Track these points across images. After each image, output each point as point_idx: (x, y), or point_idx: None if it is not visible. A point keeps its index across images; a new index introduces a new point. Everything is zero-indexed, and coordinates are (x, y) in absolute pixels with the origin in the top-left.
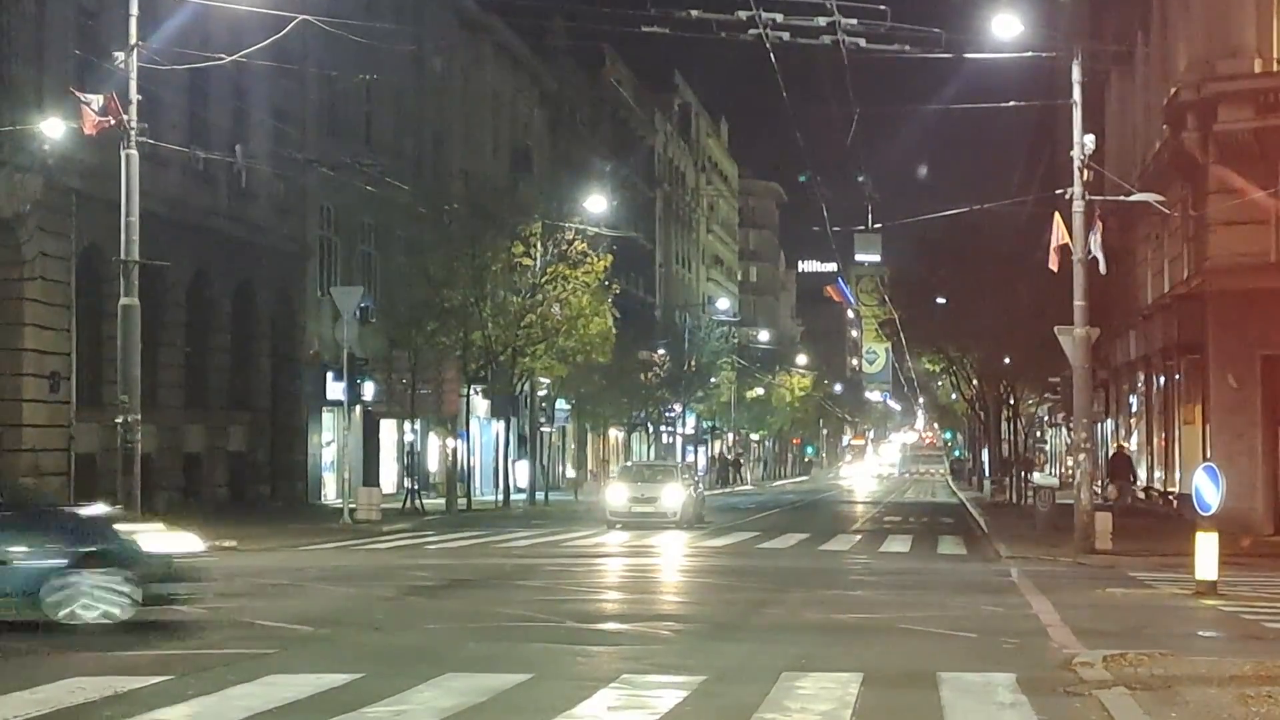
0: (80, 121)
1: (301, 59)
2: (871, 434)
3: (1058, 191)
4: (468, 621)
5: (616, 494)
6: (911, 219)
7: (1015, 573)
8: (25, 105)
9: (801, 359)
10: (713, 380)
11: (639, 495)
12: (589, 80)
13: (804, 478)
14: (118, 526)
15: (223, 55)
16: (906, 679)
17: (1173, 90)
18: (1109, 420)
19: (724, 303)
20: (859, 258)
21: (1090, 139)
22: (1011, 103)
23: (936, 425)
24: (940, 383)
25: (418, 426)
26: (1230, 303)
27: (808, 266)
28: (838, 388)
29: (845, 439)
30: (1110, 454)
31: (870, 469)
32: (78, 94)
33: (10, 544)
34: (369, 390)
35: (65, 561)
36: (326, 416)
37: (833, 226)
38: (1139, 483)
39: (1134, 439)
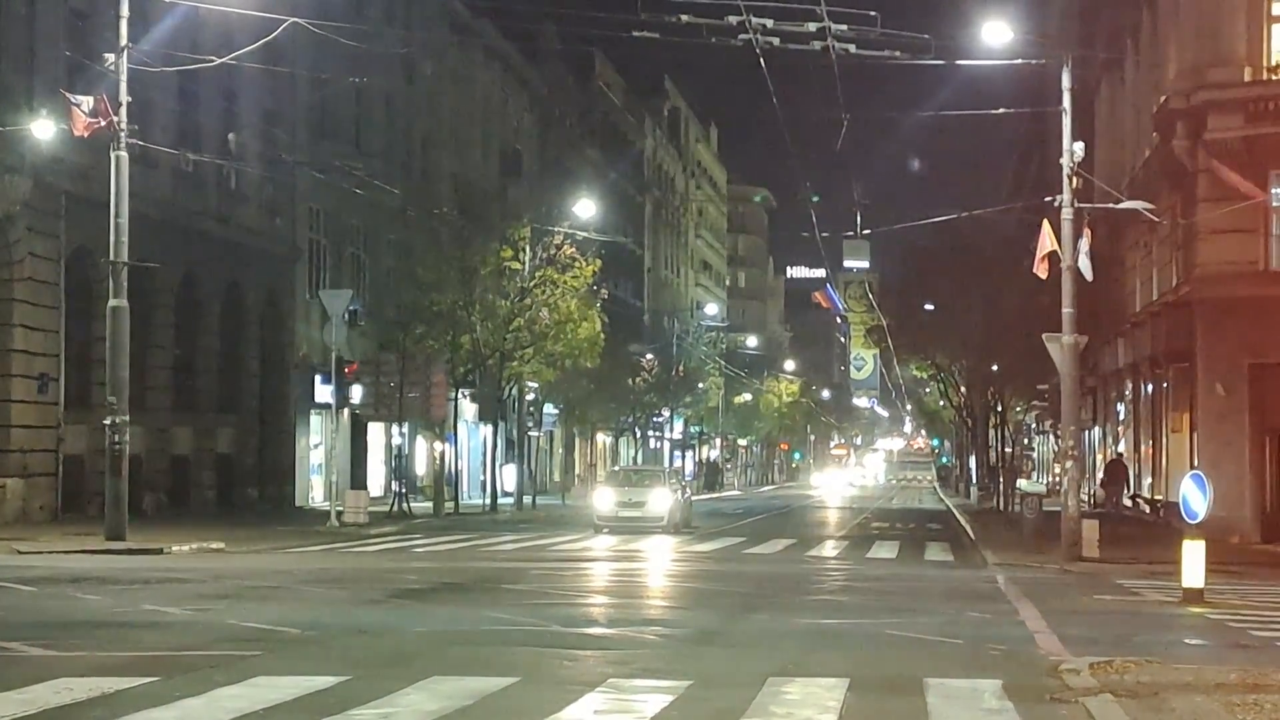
0: (70, 123)
1: (291, 62)
2: (859, 440)
3: (1047, 199)
4: (454, 625)
5: (604, 498)
6: (901, 225)
7: (1002, 580)
8: (15, 106)
9: (789, 365)
10: (700, 385)
11: (626, 500)
12: (579, 85)
13: (791, 483)
14: None
15: (213, 57)
16: (893, 685)
17: (1162, 98)
18: (1097, 428)
19: (712, 308)
20: (848, 264)
21: (1080, 146)
22: (1001, 109)
23: (924, 432)
24: (928, 389)
25: (405, 430)
26: (1219, 311)
27: (796, 272)
28: (825, 394)
29: (833, 444)
30: (1108, 460)
31: (848, 478)
32: (68, 95)
33: None
34: (357, 393)
35: None
36: (314, 419)
37: (821, 233)
38: (1129, 490)
39: (1122, 446)
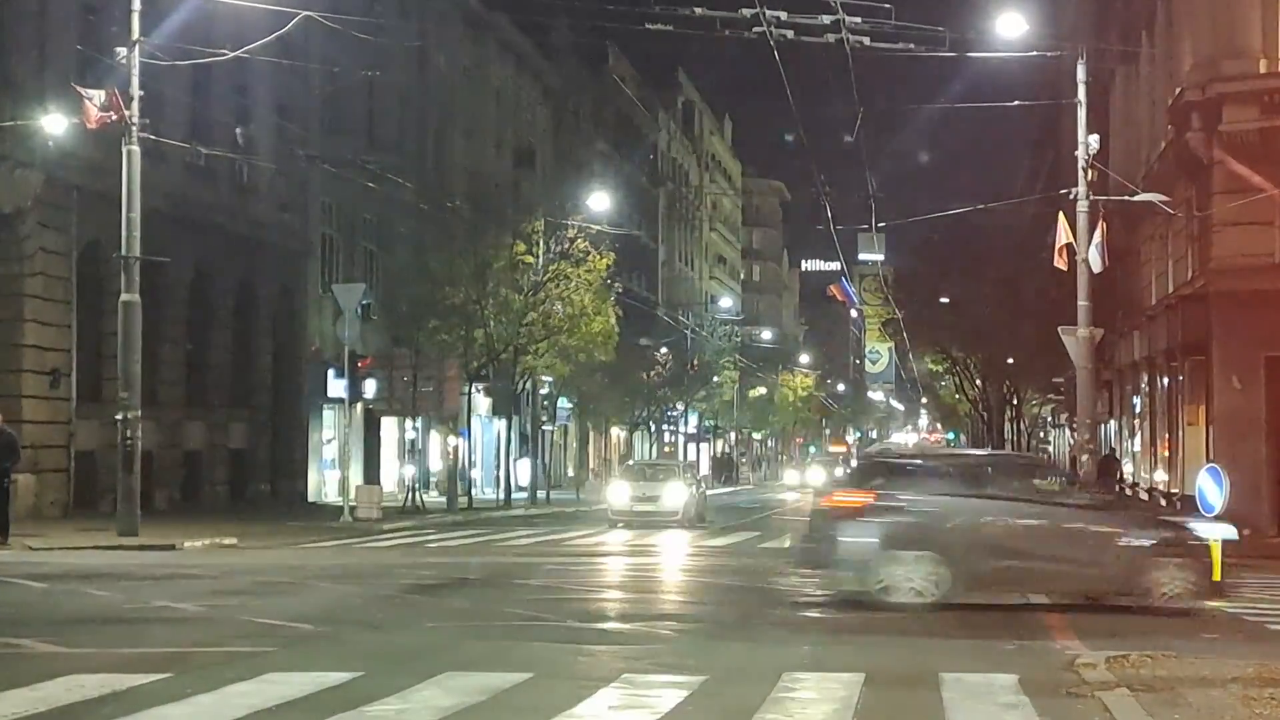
0: (82, 117)
1: (304, 55)
2: (875, 434)
3: (1062, 191)
4: (468, 620)
5: (618, 492)
6: (915, 219)
7: None
8: (27, 100)
9: (804, 358)
10: (715, 379)
11: (641, 494)
12: (592, 77)
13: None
14: None
15: (225, 51)
16: (908, 679)
17: (1177, 90)
18: (1112, 421)
19: (727, 301)
20: (862, 257)
21: (1094, 139)
22: (1016, 102)
23: (940, 425)
24: (944, 383)
25: (419, 424)
26: (1234, 304)
27: (811, 265)
28: (841, 387)
29: (849, 438)
30: (1101, 457)
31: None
32: (79, 89)
33: None
34: (370, 388)
35: None
36: (327, 414)
37: (836, 225)
38: (1130, 484)
39: (1137, 440)
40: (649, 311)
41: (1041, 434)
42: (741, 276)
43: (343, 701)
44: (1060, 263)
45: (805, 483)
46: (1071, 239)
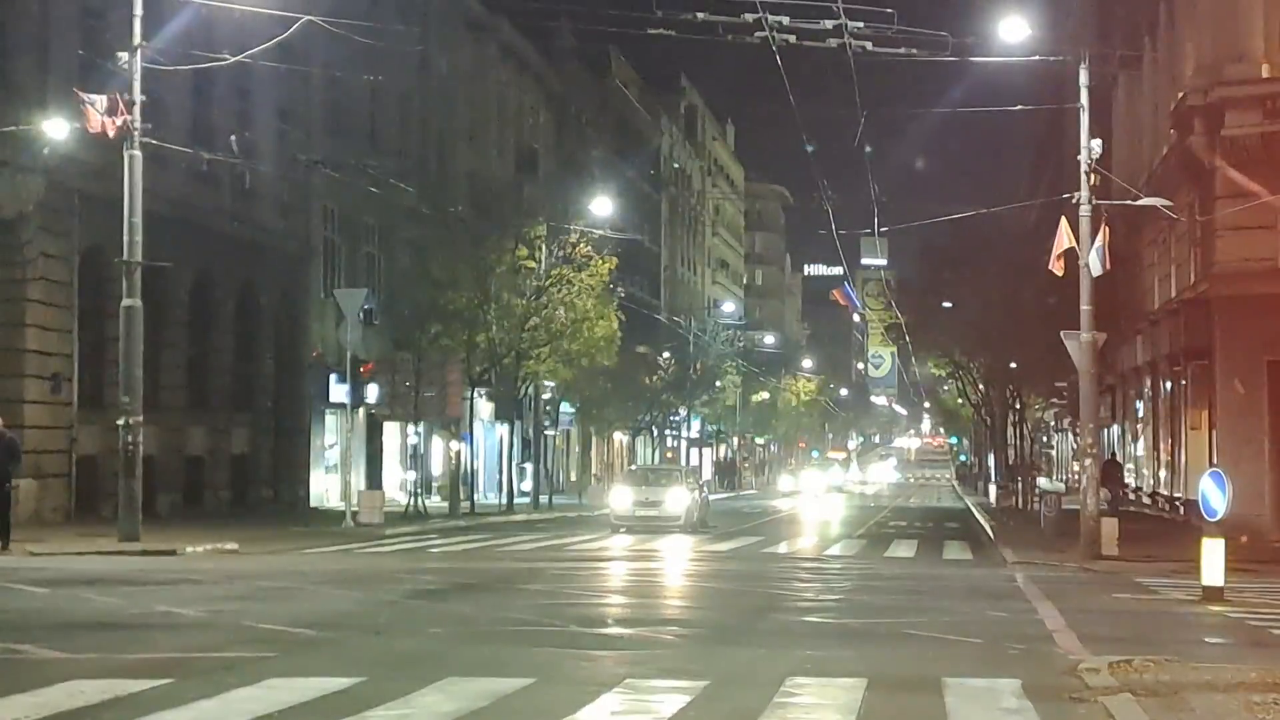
0: (84, 121)
1: (306, 60)
2: (878, 438)
3: (1064, 195)
4: (470, 625)
5: (621, 497)
6: (918, 223)
7: (1021, 578)
8: (28, 105)
9: (807, 363)
10: (717, 384)
11: (643, 499)
12: (595, 82)
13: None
14: None
15: (227, 55)
16: (911, 684)
17: (1180, 95)
18: (1116, 425)
19: (729, 306)
20: (865, 261)
21: (1097, 143)
22: (1019, 106)
23: (943, 430)
24: (946, 387)
25: (421, 429)
26: (1237, 308)
27: (814, 270)
28: (844, 392)
29: (852, 444)
30: (1103, 461)
31: (831, 480)
32: (81, 94)
33: None
34: (372, 392)
35: None
36: (329, 419)
37: (839, 230)
38: (1133, 489)
39: (1140, 444)
40: (651, 316)
41: (1044, 438)
42: (744, 281)
43: (345, 707)
44: (1057, 268)
45: (799, 488)
46: (1074, 244)
